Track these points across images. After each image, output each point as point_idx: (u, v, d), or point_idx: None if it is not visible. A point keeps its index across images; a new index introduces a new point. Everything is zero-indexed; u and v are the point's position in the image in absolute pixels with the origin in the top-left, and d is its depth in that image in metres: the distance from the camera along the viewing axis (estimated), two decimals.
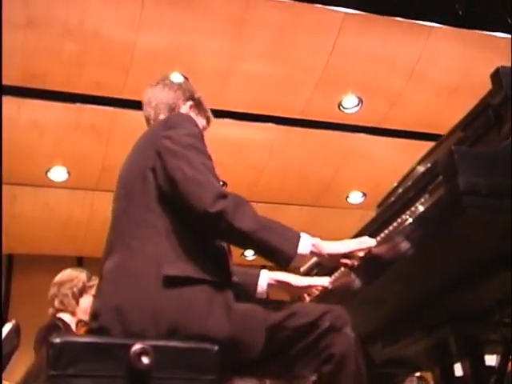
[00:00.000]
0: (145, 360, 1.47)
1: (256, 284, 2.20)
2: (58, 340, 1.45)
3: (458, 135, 1.82)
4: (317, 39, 5.60)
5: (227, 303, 1.71)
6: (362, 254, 1.88)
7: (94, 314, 1.75)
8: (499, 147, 1.48)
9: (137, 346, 1.47)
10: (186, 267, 1.70)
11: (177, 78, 2.19)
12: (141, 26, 5.30)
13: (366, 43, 5.66)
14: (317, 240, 1.84)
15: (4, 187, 6.72)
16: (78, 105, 5.86)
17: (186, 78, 2.30)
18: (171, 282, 1.67)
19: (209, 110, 2.21)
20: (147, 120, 2.14)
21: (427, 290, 1.87)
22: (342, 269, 2.12)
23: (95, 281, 3.55)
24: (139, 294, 1.67)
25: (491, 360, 2.15)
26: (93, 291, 3.46)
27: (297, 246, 1.77)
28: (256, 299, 2.18)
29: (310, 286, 2.20)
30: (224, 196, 1.73)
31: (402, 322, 2.05)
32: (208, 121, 2.20)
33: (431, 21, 5.57)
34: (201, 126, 2.07)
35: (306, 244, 1.79)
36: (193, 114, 2.11)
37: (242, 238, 1.76)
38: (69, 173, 6.72)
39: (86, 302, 3.47)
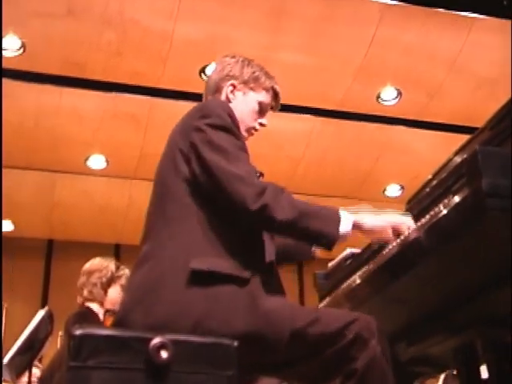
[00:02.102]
0: (164, 354, 1.48)
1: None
2: (78, 332, 1.47)
3: (486, 135, 1.78)
4: (355, 31, 5.54)
5: (253, 300, 1.67)
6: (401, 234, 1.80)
7: (122, 305, 1.77)
8: None
9: (156, 340, 1.48)
10: (214, 262, 1.70)
11: (225, 58, 2.08)
12: (179, 16, 5.32)
13: (406, 35, 5.58)
14: (357, 217, 1.78)
15: (44, 174, 6.87)
16: (116, 94, 5.92)
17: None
18: (198, 276, 1.66)
19: (270, 81, 2.09)
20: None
21: (453, 291, 1.84)
22: (369, 265, 2.10)
23: (124, 270, 3.58)
24: (165, 288, 1.67)
25: None
26: (121, 281, 3.49)
27: (338, 226, 1.73)
28: None
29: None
30: (263, 190, 1.71)
31: (428, 322, 2.02)
32: (272, 92, 2.09)
33: (473, 12, 5.46)
34: (255, 103, 2.04)
35: (347, 223, 1.75)
36: (239, 94, 2.04)
37: (284, 228, 1.75)
38: (107, 161, 6.81)
39: (114, 292, 3.49)
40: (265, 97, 2.07)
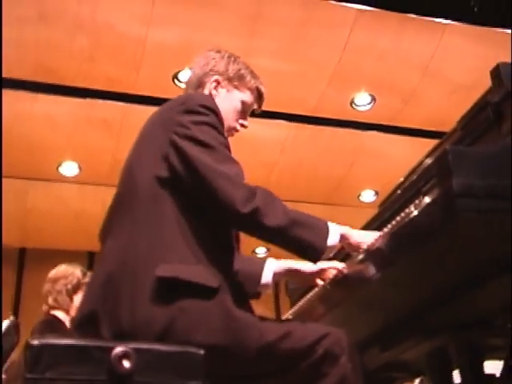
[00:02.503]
0: (126, 363, 1.41)
1: (260, 274, 2.00)
2: (36, 342, 1.40)
3: (457, 134, 1.74)
4: (330, 36, 5.52)
5: (220, 313, 1.59)
6: None
7: (83, 305, 1.67)
8: (498, 146, 1.41)
9: (118, 349, 1.42)
10: (182, 269, 1.60)
11: (210, 52, 2.06)
12: (152, 21, 5.26)
13: (380, 40, 5.57)
14: (344, 229, 1.77)
15: (16, 181, 6.74)
16: (89, 100, 5.83)
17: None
18: (164, 285, 1.57)
19: (255, 81, 2.01)
20: None
21: (426, 295, 1.81)
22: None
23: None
24: (129, 295, 1.57)
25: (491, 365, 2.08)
26: None
27: (327, 238, 1.70)
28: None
29: (322, 271, 2.00)
30: (254, 193, 1.64)
31: (401, 326, 1.98)
32: (257, 92, 2.01)
33: (446, 17, 5.47)
34: (238, 102, 1.96)
35: (335, 235, 1.73)
36: (223, 91, 1.96)
37: (273, 235, 1.68)
38: (80, 168, 6.71)
39: (80, 299, 3.41)
40: (249, 97, 1.99)
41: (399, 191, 1.96)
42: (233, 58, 2.03)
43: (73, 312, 3.37)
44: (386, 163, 6.71)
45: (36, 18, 5.09)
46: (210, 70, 1.98)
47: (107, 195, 7.23)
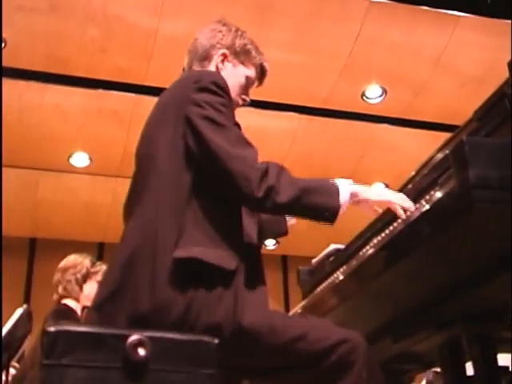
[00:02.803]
0: (141, 351, 1.42)
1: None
2: (52, 328, 1.41)
3: (473, 126, 1.74)
4: (341, 27, 5.51)
5: (237, 302, 1.58)
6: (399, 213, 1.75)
7: (101, 288, 1.67)
8: None
9: (133, 337, 1.43)
10: (200, 251, 1.59)
11: (218, 25, 2.03)
12: (163, 12, 5.26)
13: (391, 32, 5.55)
14: (354, 187, 1.76)
15: (27, 172, 6.77)
16: (100, 91, 5.84)
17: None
18: (183, 268, 1.56)
19: (260, 57, 1.99)
20: (184, 70, 2.00)
21: (439, 286, 1.80)
22: (352, 260, 2.06)
23: (100, 266, 3.52)
24: (149, 277, 1.57)
25: (504, 359, 2.08)
26: (98, 277, 3.43)
27: (339, 198, 1.69)
28: None
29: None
30: (266, 173, 1.62)
31: (413, 318, 1.98)
32: (261, 69, 1.99)
33: (458, 10, 5.44)
34: (243, 77, 1.95)
35: (345, 193, 1.71)
36: (229, 66, 1.94)
37: (287, 208, 1.68)
38: (90, 159, 6.73)
39: (90, 288, 3.43)
40: (253, 73, 1.98)
41: (412, 183, 1.95)
42: (240, 32, 2.01)
43: (84, 301, 3.40)
44: (397, 156, 6.70)
45: (47, 8, 5.11)
46: (217, 43, 1.96)
47: (118, 186, 7.32)
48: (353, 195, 1.73)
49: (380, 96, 6.19)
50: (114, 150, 6.49)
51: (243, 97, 1.98)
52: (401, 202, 1.76)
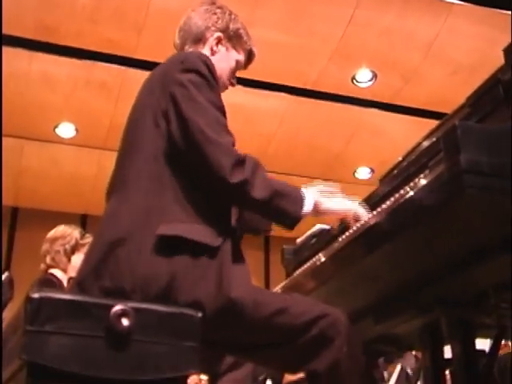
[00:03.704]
0: (125, 322, 1.42)
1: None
2: (36, 295, 1.40)
3: (465, 111, 1.74)
4: (334, 10, 5.48)
5: (220, 276, 1.59)
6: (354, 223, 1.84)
7: (84, 263, 1.67)
8: (507, 124, 1.41)
9: (117, 307, 1.43)
10: (184, 228, 1.61)
11: (213, 6, 2.03)
12: None
13: (384, 17, 5.54)
14: (318, 196, 1.79)
15: (12, 140, 6.70)
16: (88, 61, 5.78)
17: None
18: (167, 243, 1.57)
19: (250, 42, 2.01)
20: (175, 48, 2.01)
21: (422, 270, 1.82)
22: (338, 241, 2.07)
23: (88, 239, 3.51)
24: (132, 253, 1.58)
25: (481, 344, 2.10)
26: (86, 249, 3.42)
27: (302, 207, 1.73)
28: None
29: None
30: (242, 162, 1.64)
31: (395, 300, 1.99)
32: (249, 54, 2.02)
33: None
34: (233, 61, 1.97)
35: (309, 203, 1.75)
36: (223, 49, 1.96)
37: (256, 206, 1.70)
38: (77, 130, 6.68)
39: (78, 259, 3.41)
40: (242, 57, 2.01)
41: (398, 169, 1.96)
42: (233, 16, 2.01)
43: (71, 272, 3.39)
44: (384, 141, 6.72)
45: None
46: (212, 26, 1.96)
47: (103, 159, 7.27)
48: (316, 205, 1.77)
49: (370, 80, 6.19)
50: (101, 122, 6.44)
51: (232, 80, 2.00)
52: (358, 211, 1.84)
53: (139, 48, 5.69)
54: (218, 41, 1.96)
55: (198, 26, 1.96)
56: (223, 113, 1.75)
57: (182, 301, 1.55)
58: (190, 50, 1.94)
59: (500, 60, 1.67)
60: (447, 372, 2.16)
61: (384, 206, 1.78)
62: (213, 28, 1.95)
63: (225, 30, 1.96)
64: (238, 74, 6.27)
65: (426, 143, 2.14)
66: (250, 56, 2.03)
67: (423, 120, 6.24)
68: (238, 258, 1.67)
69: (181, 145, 1.67)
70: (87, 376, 1.40)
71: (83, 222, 7.91)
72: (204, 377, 4.19)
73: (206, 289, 1.57)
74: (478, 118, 1.60)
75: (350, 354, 1.58)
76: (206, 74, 1.74)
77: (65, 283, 3.37)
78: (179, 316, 1.50)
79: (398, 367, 5.14)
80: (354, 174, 7.60)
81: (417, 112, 6.43)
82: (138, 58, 5.77)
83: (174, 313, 1.50)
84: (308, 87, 6.27)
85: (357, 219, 1.82)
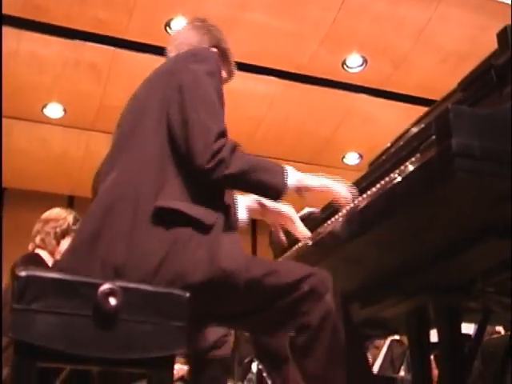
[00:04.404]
0: (112, 301, 1.42)
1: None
2: (24, 273, 1.39)
3: (457, 96, 1.73)
4: None
5: (212, 249, 1.63)
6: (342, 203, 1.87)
7: (77, 239, 1.70)
8: (499, 110, 1.40)
9: (105, 286, 1.42)
10: (181, 204, 1.66)
11: (208, 22, 2.14)
12: None
13: (376, 2, 5.53)
14: (301, 174, 1.83)
15: None
16: (78, 41, 5.72)
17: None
18: (162, 217, 1.62)
19: (233, 64, 2.11)
20: (167, 56, 2.07)
21: (409, 254, 1.81)
22: (325, 225, 2.07)
23: None
24: (125, 227, 1.61)
25: (466, 328, 2.12)
26: None
27: (286, 179, 1.76)
28: None
29: (283, 215, 2.03)
30: (222, 147, 1.68)
31: (382, 284, 1.99)
32: (230, 75, 2.11)
33: None
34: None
35: (292, 177, 1.78)
36: None
37: (234, 181, 1.74)
38: (65, 110, 6.62)
39: (67, 244, 3.39)
40: (224, 76, 2.06)
41: (386, 154, 1.95)
42: (223, 37, 2.10)
43: (57, 256, 3.37)
44: (373, 127, 6.72)
45: None
46: (209, 40, 2.04)
47: (91, 140, 7.20)
48: (299, 181, 1.81)
49: (360, 66, 6.17)
50: (90, 103, 6.39)
51: None
52: (343, 193, 1.85)
53: (130, 29, 5.64)
54: None
55: (196, 38, 2.04)
56: (223, 105, 1.80)
57: (177, 274, 1.58)
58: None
59: (490, 49, 1.66)
60: (432, 357, 2.17)
61: (373, 189, 1.78)
62: (208, 43, 2.03)
63: (217, 46, 2.05)
64: None
65: (415, 129, 2.14)
66: (230, 75, 2.10)
67: (413, 106, 6.24)
68: (230, 235, 1.73)
69: (177, 130, 1.72)
70: (74, 354, 1.40)
71: (70, 202, 7.88)
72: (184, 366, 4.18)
73: (197, 266, 1.60)
74: (470, 103, 1.60)
75: (337, 308, 1.65)
76: (215, 67, 1.82)
77: (50, 265, 3.34)
78: (167, 295, 1.49)
79: (384, 350, 5.17)
80: (342, 159, 7.60)
81: (406, 98, 6.43)
82: (129, 39, 5.72)
83: (161, 292, 1.50)
84: (298, 72, 6.24)
85: (344, 201, 1.85)
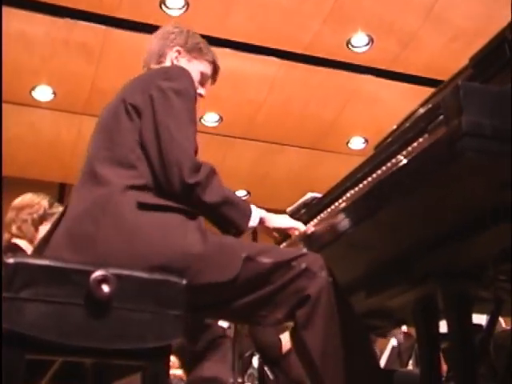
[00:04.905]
0: (105, 288, 1.42)
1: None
2: (11, 260, 1.40)
3: (468, 73, 1.73)
4: None
5: (201, 228, 1.77)
6: (297, 233, 2.10)
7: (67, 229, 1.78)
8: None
9: (97, 273, 1.43)
10: (160, 200, 1.78)
11: (171, 27, 2.36)
12: None
13: None
14: (264, 213, 2.01)
15: None
16: (68, 20, 5.69)
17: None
18: (146, 207, 1.73)
19: (212, 55, 2.27)
20: (143, 70, 2.25)
21: (417, 239, 1.81)
22: (329, 210, 2.08)
23: (57, 208, 3.46)
24: (113, 218, 1.71)
25: (477, 318, 2.12)
26: (54, 219, 3.37)
27: (249, 220, 1.93)
28: None
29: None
30: (199, 167, 1.82)
31: (389, 272, 2.00)
32: (213, 65, 2.26)
33: None
34: (197, 72, 2.19)
35: (256, 217, 1.95)
36: (184, 60, 2.20)
37: (206, 210, 1.85)
38: (54, 93, 6.60)
39: (46, 230, 3.37)
40: (207, 68, 2.24)
41: (392, 137, 1.95)
42: (191, 33, 2.28)
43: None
44: (380, 110, 6.70)
45: None
46: (171, 42, 2.23)
47: (83, 124, 7.16)
48: (261, 221, 1.99)
49: (366, 45, 6.14)
50: (81, 85, 6.38)
51: (198, 91, 2.17)
52: (300, 229, 2.09)
53: (122, 6, 5.60)
54: (178, 53, 2.21)
55: (158, 45, 2.24)
56: (195, 123, 1.94)
57: (168, 254, 1.66)
58: (155, 67, 2.19)
59: (503, 25, 1.65)
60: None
61: (379, 172, 1.78)
62: (171, 44, 2.23)
63: (183, 45, 2.23)
64: (226, 35, 6.19)
65: (422, 110, 2.13)
66: (214, 68, 2.27)
67: (421, 88, 6.20)
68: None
69: (148, 141, 1.85)
70: (65, 345, 1.41)
71: (61, 190, 7.88)
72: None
73: (193, 242, 1.72)
74: (482, 80, 1.59)
75: (333, 285, 1.80)
76: (187, 86, 1.96)
77: (29, 254, 3.32)
78: (163, 283, 1.50)
79: (390, 344, 5.19)
80: (347, 144, 7.59)
81: (415, 79, 6.40)
82: (121, 17, 5.69)
83: (157, 279, 1.50)
84: (300, 52, 6.21)
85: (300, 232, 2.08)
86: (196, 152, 1.87)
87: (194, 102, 1.97)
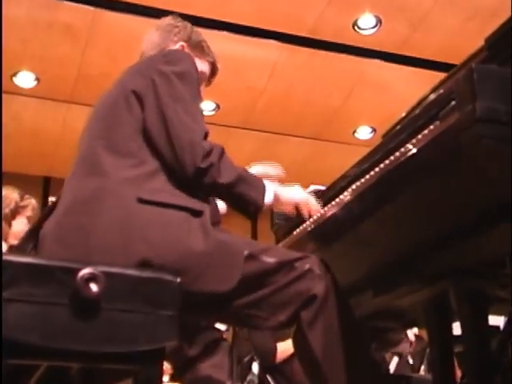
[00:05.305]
0: (93, 287, 1.43)
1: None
2: None
3: (483, 55, 1.73)
4: None
5: (204, 226, 1.79)
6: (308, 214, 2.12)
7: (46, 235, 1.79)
8: None
9: (85, 271, 1.43)
10: (163, 195, 1.81)
11: (174, 20, 2.39)
12: None
13: None
14: (276, 187, 2.04)
15: None
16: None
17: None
18: (148, 202, 1.77)
19: (213, 55, 2.31)
20: (140, 58, 2.28)
21: (429, 234, 1.82)
22: (333, 203, 2.08)
23: (29, 200, 3.46)
24: (110, 212, 1.73)
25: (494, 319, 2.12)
26: (27, 212, 3.37)
27: (264, 196, 1.97)
28: None
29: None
30: (211, 149, 1.86)
31: (397, 269, 2.00)
32: (212, 67, 2.30)
33: None
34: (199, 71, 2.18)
35: (270, 192, 1.99)
36: None
37: (222, 190, 1.91)
38: (38, 79, 6.59)
39: (20, 224, 3.36)
40: (206, 68, 2.29)
41: (401, 124, 1.94)
42: (194, 29, 2.33)
43: (12, 239, 3.34)
44: (388, 97, 6.70)
45: None
46: (175, 36, 2.27)
47: (69, 113, 7.16)
48: (276, 196, 2.02)
49: (374, 27, 6.14)
50: (67, 71, 6.37)
51: None
52: (311, 202, 2.12)
53: None
54: (182, 48, 2.24)
55: (162, 37, 2.28)
56: (200, 105, 2.00)
57: (168, 251, 1.70)
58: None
59: None
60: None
61: (386, 161, 1.78)
62: (175, 38, 2.27)
63: (187, 40, 2.27)
64: (224, 17, 6.19)
65: (433, 95, 2.14)
66: (213, 69, 2.32)
67: (432, 72, 6.19)
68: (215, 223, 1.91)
69: (154, 126, 1.89)
70: (50, 348, 1.41)
71: (46, 185, 7.89)
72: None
73: (195, 240, 1.75)
74: (498, 63, 1.59)
75: (335, 286, 1.86)
76: (189, 68, 2.00)
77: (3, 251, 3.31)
78: (155, 281, 1.51)
79: (395, 358, 5.20)
80: (353, 133, 7.60)
81: (425, 63, 6.40)
82: None
83: (149, 277, 1.51)
84: (303, 35, 6.21)
85: (310, 212, 2.10)
86: (207, 135, 1.90)
87: (198, 83, 2.03)
